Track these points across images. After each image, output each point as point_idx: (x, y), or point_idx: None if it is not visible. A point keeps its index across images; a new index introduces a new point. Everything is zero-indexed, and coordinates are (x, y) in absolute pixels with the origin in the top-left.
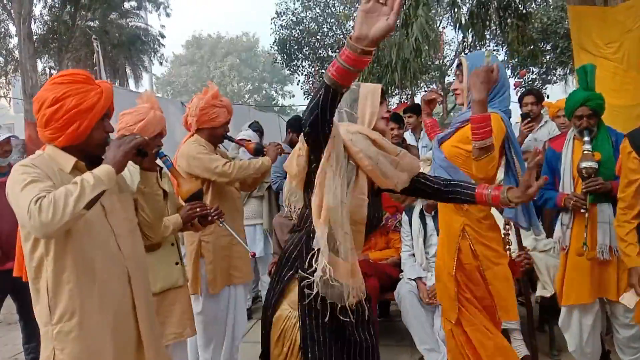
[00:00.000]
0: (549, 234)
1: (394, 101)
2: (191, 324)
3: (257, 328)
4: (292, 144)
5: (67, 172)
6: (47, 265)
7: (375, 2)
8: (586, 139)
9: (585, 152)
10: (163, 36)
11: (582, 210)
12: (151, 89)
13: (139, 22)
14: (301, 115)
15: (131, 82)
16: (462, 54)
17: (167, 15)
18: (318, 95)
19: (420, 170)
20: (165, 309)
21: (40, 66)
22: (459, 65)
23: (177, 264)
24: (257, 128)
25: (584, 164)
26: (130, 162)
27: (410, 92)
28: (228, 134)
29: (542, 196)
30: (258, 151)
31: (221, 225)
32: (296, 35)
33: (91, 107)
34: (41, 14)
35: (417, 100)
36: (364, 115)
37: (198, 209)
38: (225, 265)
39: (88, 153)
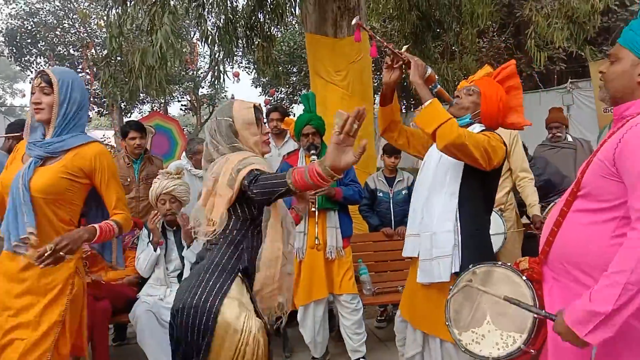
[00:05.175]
0: None
1: (146, 109)
2: None
3: None
4: (9, 150)
5: None
6: None
7: (345, 135)
8: (312, 152)
9: (312, 162)
10: None
11: (312, 209)
12: None
13: None
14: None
15: None
16: (215, 67)
17: None
18: (279, 190)
19: None
20: None
21: None
22: None
23: None
24: None
25: None
26: None
27: (163, 101)
28: None
29: None
30: None
31: None
32: (30, 28)
33: None
34: None
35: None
36: (249, 145)
37: None
38: None
39: None
